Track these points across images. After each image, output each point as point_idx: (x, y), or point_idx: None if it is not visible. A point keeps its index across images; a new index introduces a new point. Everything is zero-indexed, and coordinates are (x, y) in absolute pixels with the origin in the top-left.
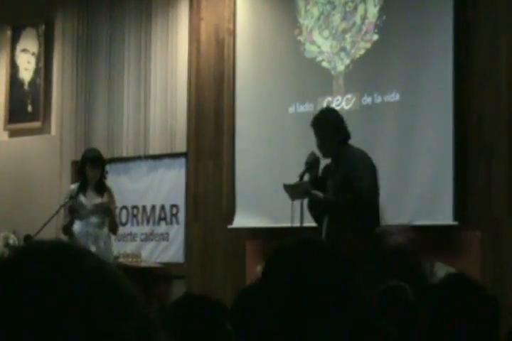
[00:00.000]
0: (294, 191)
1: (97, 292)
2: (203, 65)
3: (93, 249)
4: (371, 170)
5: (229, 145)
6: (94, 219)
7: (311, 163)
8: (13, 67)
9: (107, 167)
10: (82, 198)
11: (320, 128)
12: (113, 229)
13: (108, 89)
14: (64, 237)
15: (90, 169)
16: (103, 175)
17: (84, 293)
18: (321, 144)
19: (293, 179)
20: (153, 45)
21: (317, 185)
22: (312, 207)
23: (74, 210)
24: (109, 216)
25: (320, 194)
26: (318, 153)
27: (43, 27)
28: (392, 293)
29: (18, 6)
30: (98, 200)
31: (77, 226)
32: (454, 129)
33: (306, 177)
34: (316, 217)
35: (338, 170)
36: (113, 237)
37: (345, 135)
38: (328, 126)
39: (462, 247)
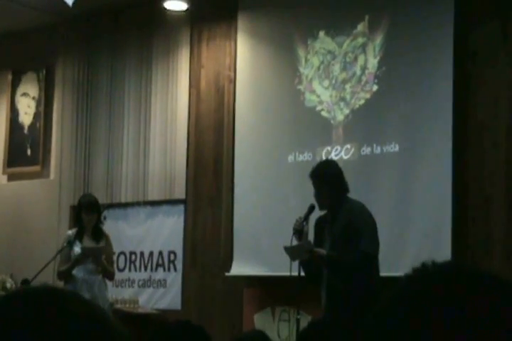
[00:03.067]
0: (295, 252)
1: (82, 336)
2: (203, 112)
3: (87, 295)
4: (373, 224)
5: (227, 192)
6: (89, 266)
7: (311, 209)
8: (13, 111)
9: (106, 212)
10: (78, 245)
11: (318, 180)
12: (107, 276)
13: (108, 134)
14: (60, 283)
15: (86, 215)
16: (100, 221)
17: (70, 337)
18: (319, 196)
19: (291, 224)
20: (154, 92)
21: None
22: (310, 263)
23: (80, 261)
24: (97, 262)
25: (323, 251)
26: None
27: (44, 71)
28: None
29: (19, 50)
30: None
31: (73, 271)
32: (453, 180)
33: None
34: (309, 270)
35: (336, 222)
36: (109, 283)
37: (344, 187)
38: (326, 179)
39: None
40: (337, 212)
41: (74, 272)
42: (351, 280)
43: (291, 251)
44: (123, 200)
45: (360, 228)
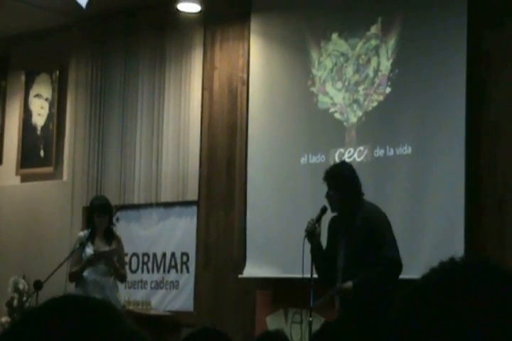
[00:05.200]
0: (327, 300)
1: None
2: (216, 113)
3: (99, 297)
4: (390, 228)
5: (240, 194)
6: (101, 268)
7: (324, 210)
8: (27, 112)
9: (119, 214)
10: (90, 247)
11: (332, 182)
12: (119, 278)
13: (120, 135)
14: (71, 284)
15: (98, 217)
16: (111, 222)
17: None
18: (331, 197)
19: (304, 226)
20: (167, 93)
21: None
22: (324, 265)
23: (91, 262)
24: (109, 263)
25: (349, 284)
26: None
27: (57, 73)
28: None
29: (33, 51)
30: (106, 249)
31: (84, 273)
32: (466, 183)
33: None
34: (323, 272)
35: (353, 227)
36: (122, 285)
37: (358, 190)
38: (340, 181)
39: None
40: (353, 216)
41: (85, 274)
42: (368, 285)
43: (324, 302)
44: (136, 202)
45: (381, 233)
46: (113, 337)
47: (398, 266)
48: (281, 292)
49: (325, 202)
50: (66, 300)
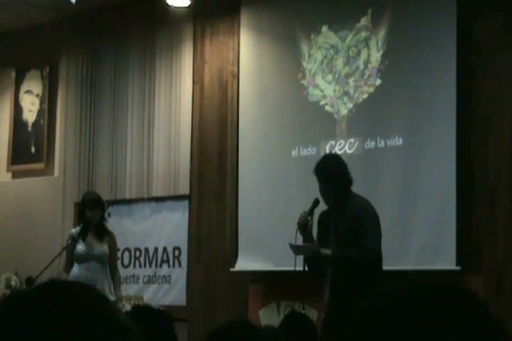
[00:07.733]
0: (300, 250)
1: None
2: (207, 107)
3: None
4: (377, 221)
5: (232, 187)
6: (92, 264)
7: (316, 203)
8: (17, 109)
9: (110, 209)
10: (81, 243)
11: (323, 175)
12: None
13: (112, 131)
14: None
15: (90, 212)
16: (103, 218)
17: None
18: (324, 191)
19: (295, 219)
20: (157, 87)
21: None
22: (315, 259)
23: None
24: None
25: (328, 251)
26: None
27: (48, 69)
28: None
29: (23, 47)
30: (98, 246)
31: (76, 269)
32: (457, 173)
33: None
34: (313, 264)
35: (342, 218)
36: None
37: (349, 181)
38: (331, 173)
39: None
40: (342, 208)
41: (77, 270)
42: (355, 276)
43: (296, 250)
44: (127, 197)
45: (365, 224)
46: (102, 322)
47: (376, 254)
48: (274, 285)
49: (317, 194)
50: (55, 284)
